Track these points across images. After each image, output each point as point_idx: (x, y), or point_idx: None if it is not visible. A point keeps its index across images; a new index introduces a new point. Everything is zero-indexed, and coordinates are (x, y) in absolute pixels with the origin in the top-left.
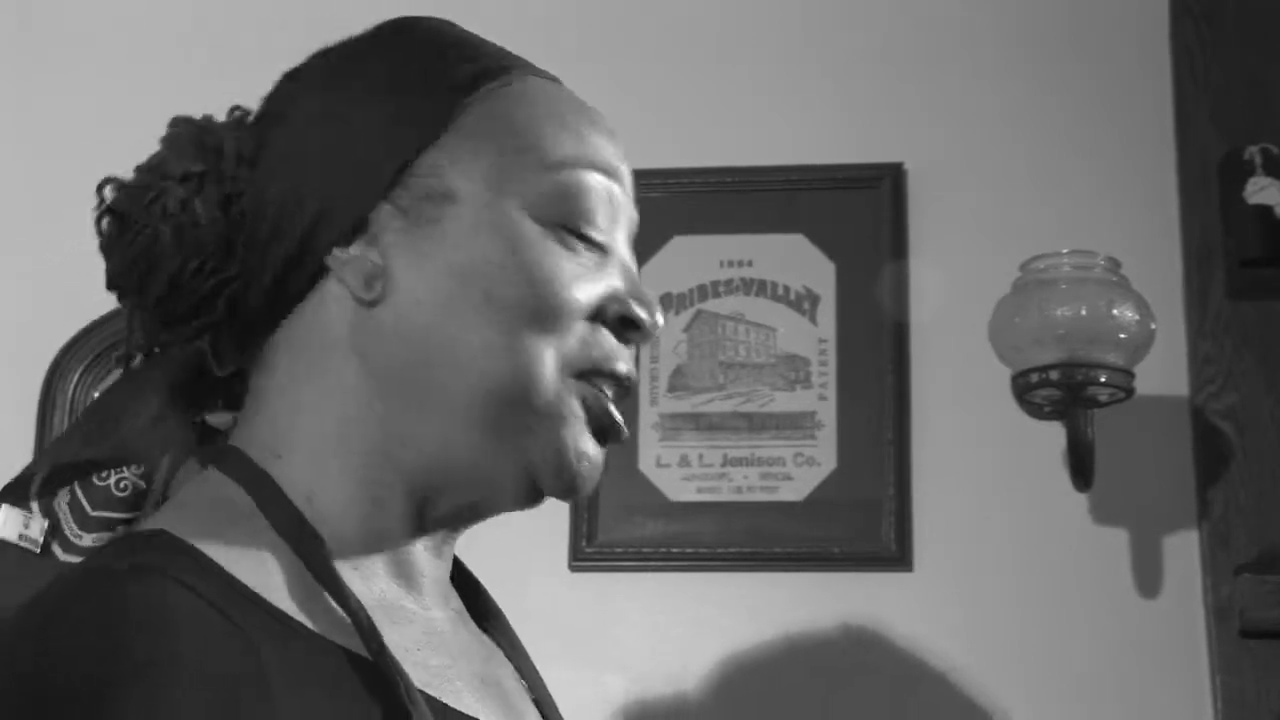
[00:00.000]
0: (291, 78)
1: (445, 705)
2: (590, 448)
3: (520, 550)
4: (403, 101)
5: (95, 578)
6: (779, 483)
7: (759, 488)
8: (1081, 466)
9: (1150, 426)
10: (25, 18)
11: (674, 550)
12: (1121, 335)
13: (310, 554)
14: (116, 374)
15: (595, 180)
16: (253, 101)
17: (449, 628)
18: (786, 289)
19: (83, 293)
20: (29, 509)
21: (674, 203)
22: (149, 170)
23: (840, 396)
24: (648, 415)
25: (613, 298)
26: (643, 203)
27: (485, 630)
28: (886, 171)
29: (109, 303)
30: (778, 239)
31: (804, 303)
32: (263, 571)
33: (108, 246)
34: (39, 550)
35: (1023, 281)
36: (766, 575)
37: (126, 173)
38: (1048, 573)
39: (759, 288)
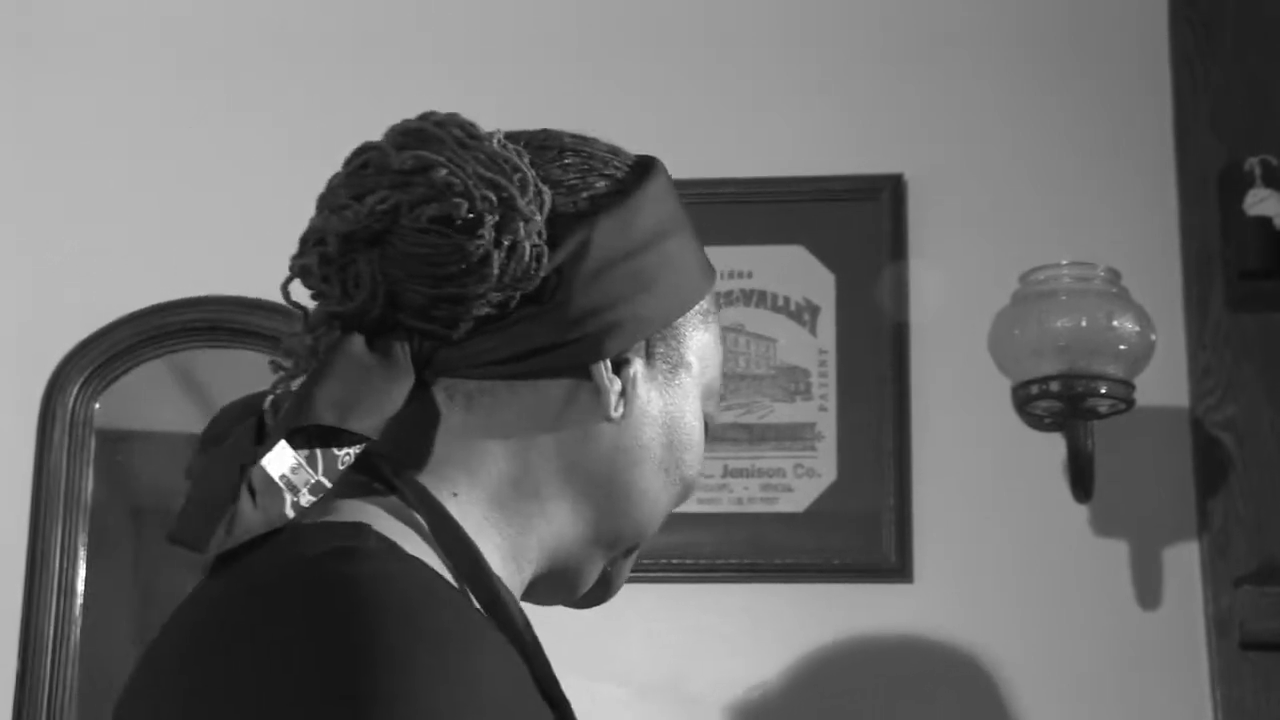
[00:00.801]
0: (596, 167)
1: None
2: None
3: None
4: (689, 260)
5: (348, 553)
6: (779, 494)
7: (759, 499)
8: (1081, 477)
9: (1150, 438)
10: (24, 26)
11: (674, 561)
12: (1121, 346)
13: (486, 592)
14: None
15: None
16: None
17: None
18: (786, 300)
19: (82, 305)
20: (310, 456)
21: None
22: (492, 185)
23: (840, 408)
24: None
25: None
26: None
27: None
28: (886, 182)
29: (107, 315)
30: (778, 250)
31: (804, 314)
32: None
33: (444, 233)
34: (291, 504)
35: (1023, 293)
36: (767, 586)
37: (122, 180)
38: (1048, 584)
39: (759, 299)
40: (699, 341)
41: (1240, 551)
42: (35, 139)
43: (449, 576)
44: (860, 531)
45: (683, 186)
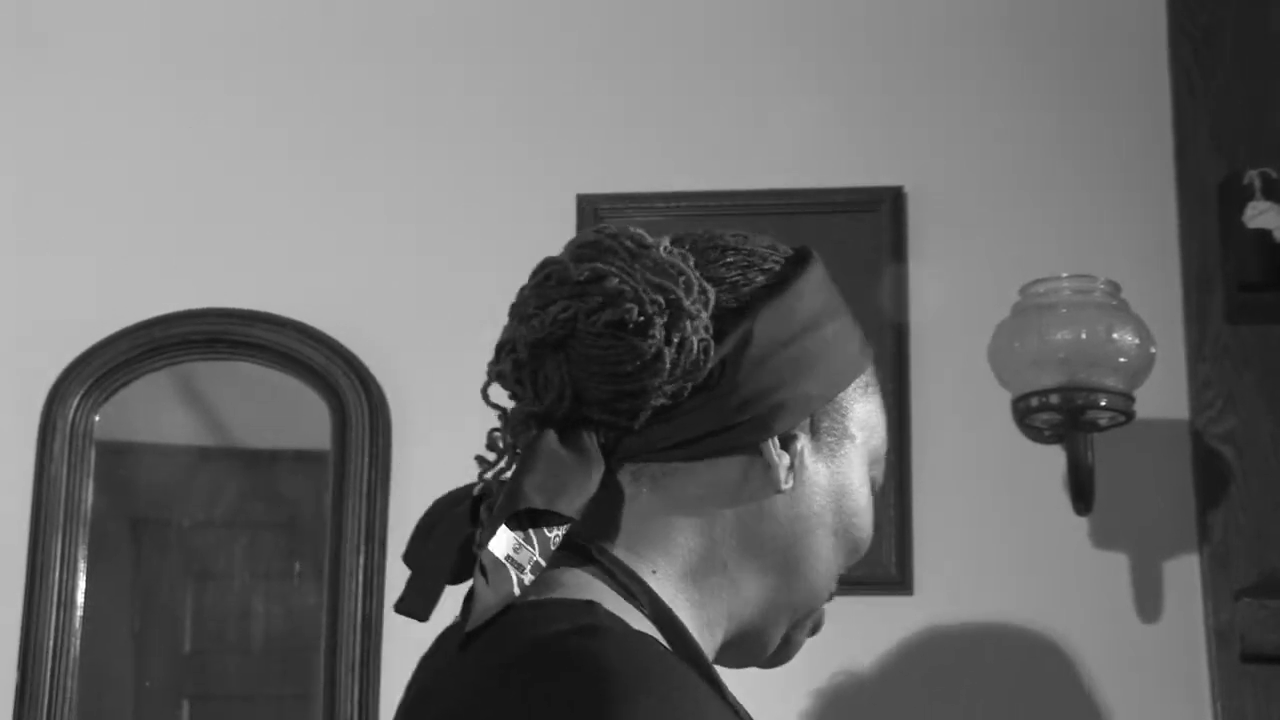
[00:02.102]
0: (754, 262)
1: None
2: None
3: None
4: (846, 339)
5: (590, 631)
6: None
7: None
8: (1082, 490)
9: (1150, 450)
10: (22, 39)
11: None
12: (1121, 359)
13: (695, 656)
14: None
15: (879, 471)
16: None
17: None
18: None
19: (82, 316)
20: (525, 536)
21: (675, 226)
22: (659, 289)
23: None
24: None
25: None
26: (644, 226)
27: None
28: (886, 194)
29: (107, 327)
30: None
31: None
32: None
33: (620, 337)
34: (517, 582)
35: (1022, 305)
36: None
37: (122, 191)
38: (1048, 596)
39: None
40: (861, 412)
41: (1241, 564)
42: (35, 150)
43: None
44: None
45: (684, 198)
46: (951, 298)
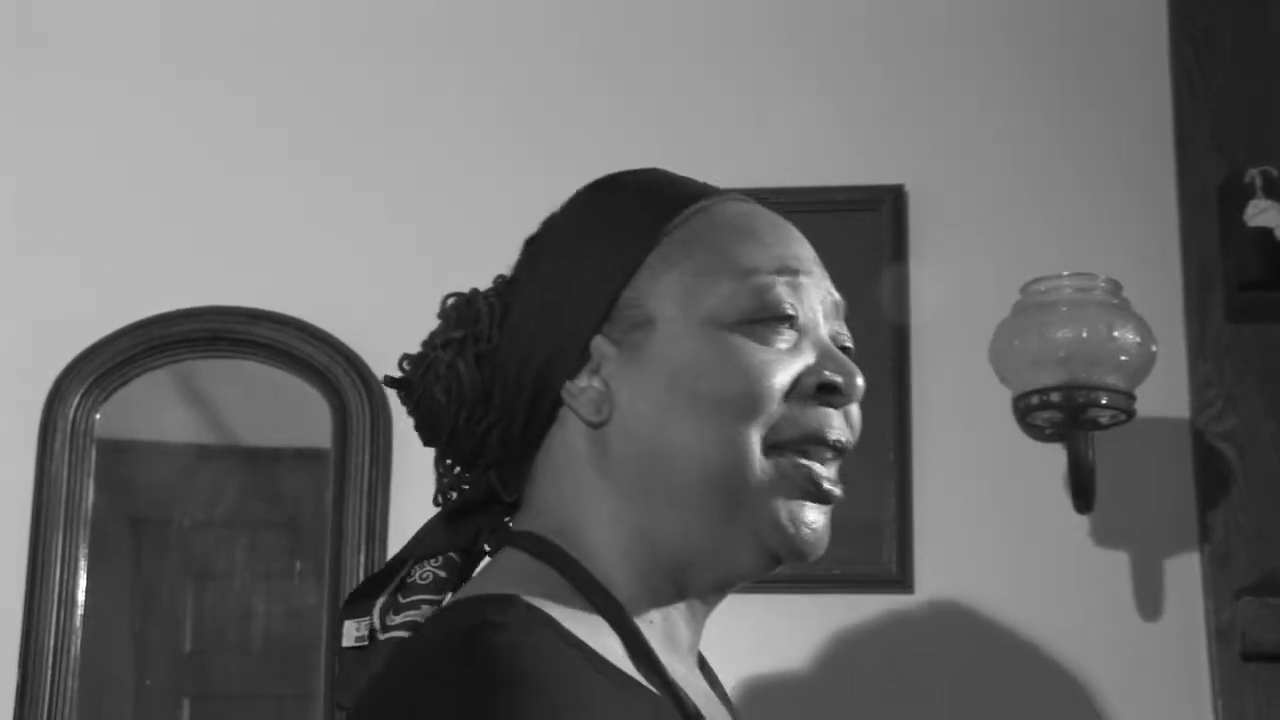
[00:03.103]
0: (528, 243)
1: None
2: (807, 514)
3: None
4: (609, 243)
5: (491, 626)
6: None
7: None
8: (1082, 488)
9: (1151, 449)
10: (22, 38)
11: None
12: (1122, 357)
13: (628, 630)
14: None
15: (773, 279)
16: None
17: (704, 686)
18: None
19: (83, 315)
20: (367, 613)
21: None
22: (426, 343)
23: None
24: None
25: (807, 371)
26: None
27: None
28: (887, 194)
29: (108, 326)
30: None
31: None
32: (595, 637)
33: (406, 408)
34: (368, 643)
35: (1023, 304)
36: (767, 597)
37: (123, 189)
38: (1049, 595)
39: None
40: (665, 287)
41: (1241, 563)
42: (36, 148)
43: (585, 617)
44: (861, 542)
45: None
46: (952, 296)
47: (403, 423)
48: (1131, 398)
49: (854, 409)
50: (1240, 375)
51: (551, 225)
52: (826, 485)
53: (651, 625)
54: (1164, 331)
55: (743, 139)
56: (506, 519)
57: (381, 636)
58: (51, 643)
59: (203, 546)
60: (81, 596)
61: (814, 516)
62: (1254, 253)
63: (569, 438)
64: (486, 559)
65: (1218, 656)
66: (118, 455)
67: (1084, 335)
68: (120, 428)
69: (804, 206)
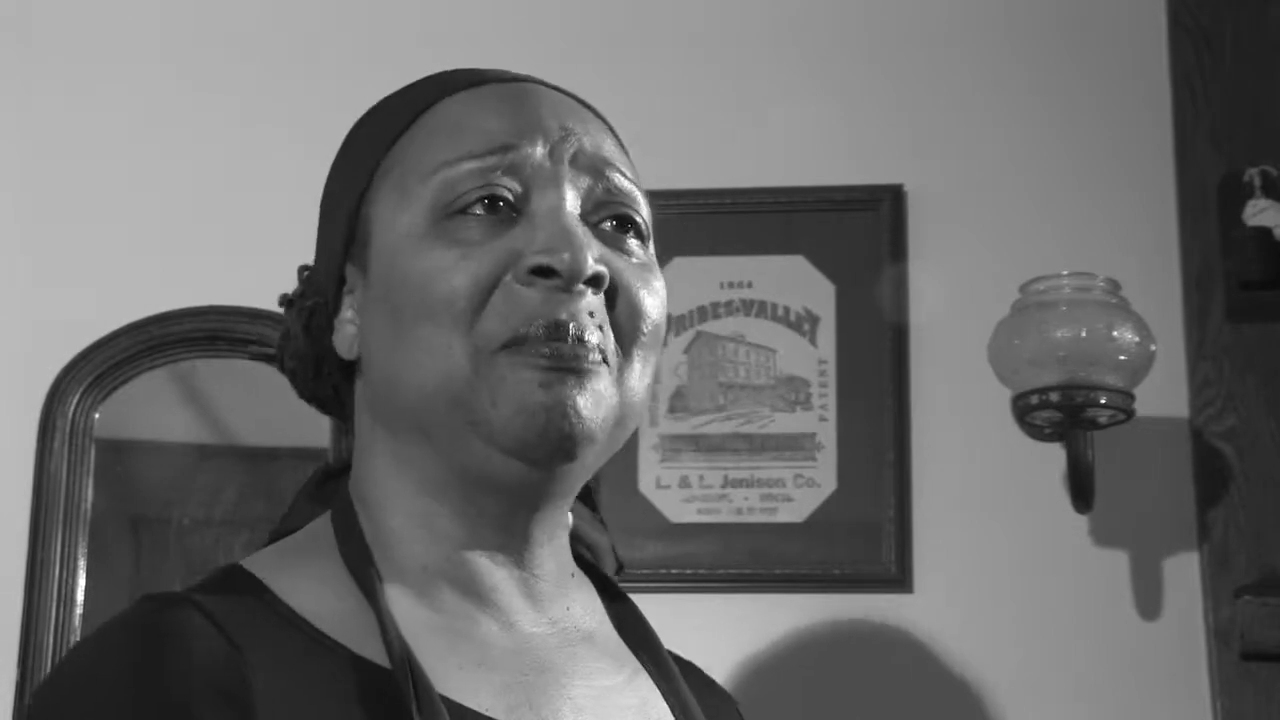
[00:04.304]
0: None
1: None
2: (545, 396)
3: None
4: (342, 175)
5: (140, 602)
6: (779, 504)
7: (759, 509)
8: (1082, 488)
9: (1150, 448)
10: (23, 33)
11: (674, 571)
12: (1121, 357)
13: (363, 580)
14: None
15: (476, 163)
16: (255, 110)
17: (537, 644)
18: (786, 310)
19: (82, 315)
20: None
21: (674, 224)
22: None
23: (840, 418)
24: (648, 436)
25: (513, 258)
26: None
27: (641, 658)
28: (886, 193)
29: (107, 325)
30: (777, 260)
31: (804, 324)
32: (317, 598)
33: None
34: None
35: (1022, 303)
36: (767, 597)
37: (123, 187)
38: (1048, 594)
39: (759, 309)
40: (380, 202)
41: (1240, 562)
42: (35, 146)
43: (327, 584)
44: (860, 542)
45: (683, 196)
46: (951, 295)
47: None
48: (1131, 397)
49: (627, 293)
50: (1240, 375)
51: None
52: (568, 353)
53: (438, 581)
54: (1163, 331)
55: (742, 138)
56: None
57: None
58: (51, 641)
59: (202, 546)
60: (80, 595)
61: (555, 398)
62: (1253, 252)
63: (357, 383)
64: None
65: (1217, 656)
66: (117, 454)
67: (1083, 335)
68: (120, 427)
69: (803, 206)
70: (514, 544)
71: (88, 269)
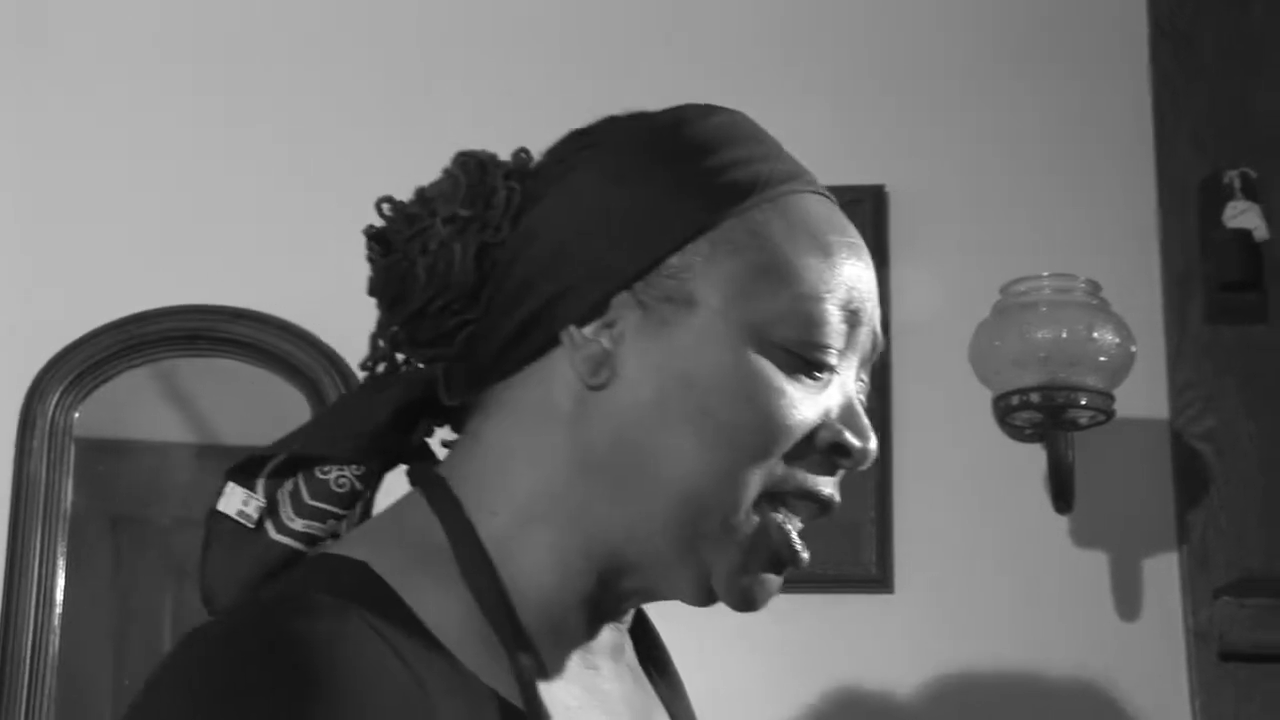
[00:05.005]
0: (576, 138)
1: None
2: (767, 576)
3: None
4: (668, 198)
5: (293, 604)
6: None
7: None
8: (1062, 489)
9: (1130, 449)
10: (10, 35)
11: None
12: (1102, 358)
13: (496, 616)
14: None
15: (834, 312)
16: (235, 110)
17: (614, 685)
18: None
19: (62, 312)
20: (252, 489)
21: None
22: (421, 201)
23: None
24: None
25: (825, 425)
26: None
27: (650, 674)
28: (868, 194)
29: (88, 323)
30: None
31: None
32: (447, 617)
33: (372, 261)
34: (253, 526)
35: (1003, 304)
36: None
37: (104, 187)
38: (1028, 595)
39: None
40: (726, 272)
41: (1220, 563)
42: (17, 146)
43: (453, 601)
44: (841, 542)
45: None
46: (933, 296)
47: None
48: (1111, 398)
49: None
50: (1219, 376)
51: (612, 136)
52: (800, 555)
53: (554, 622)
54: (1143, 332)
55: None
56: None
57: (274, 535)
58: (30, 642)
59: (182, 545)
60: (60, 595)
61: (771, 579)
62: (1233, 254)
63: (550, 386)
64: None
65: (1196, 656)
66: (97, 453)
67: (1064, 335)
68: (100, 426)
69: None
70: (617, 615)
71: (68, 268)
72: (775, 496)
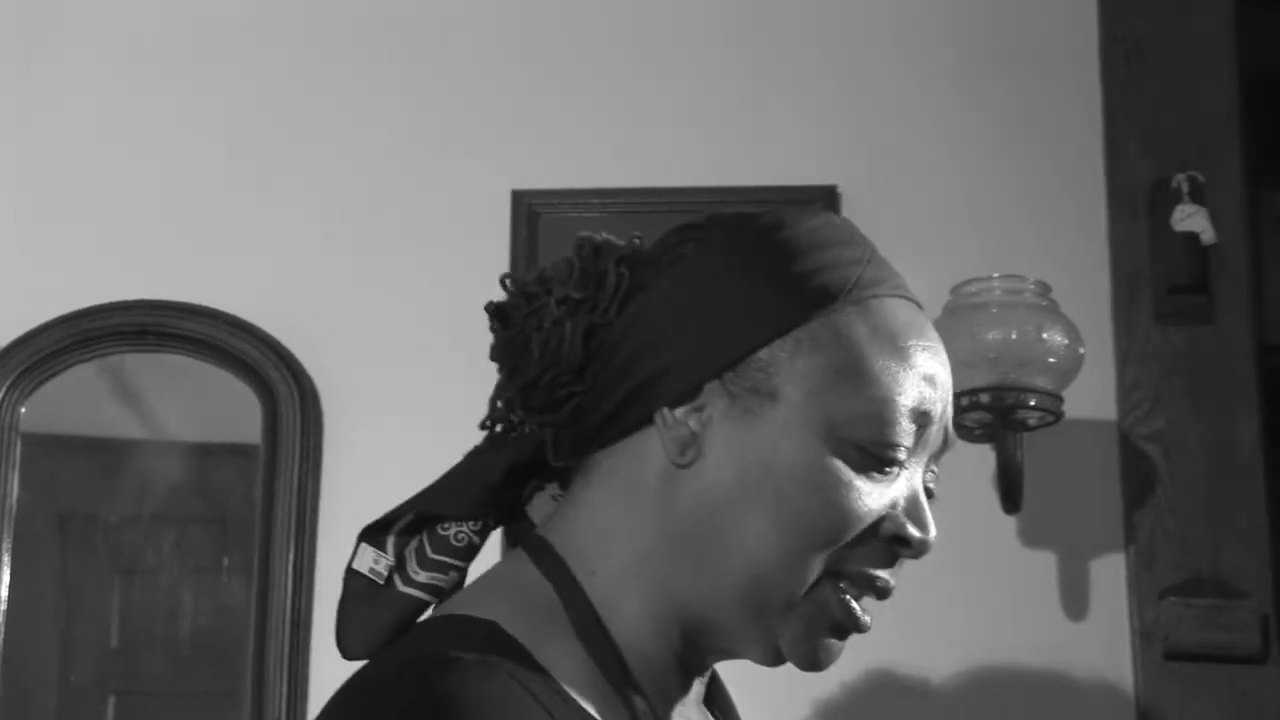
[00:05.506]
0: (683, 232)
1: None
2: (833, 645)
3: None
4: (761, 296)
5: (445, 664)
6: None
7: None
8: (1011, 489)
9: (1079, 450)
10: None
11: None
12: (1051, 359)
13: (613, 671)
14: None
15: (906, 413)
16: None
17: None
18: None
19: (10, 306)
20: (382, 547)
21: (609, 222)
22: (539, 280)
23: None
24: None
25: (889, 516)
26: (578, 221)
27: (714, 714)
28: (820, 194)
29: (36, 318)
30: None
31: None
32: (570, 672)
33: (494, 332)
34: (382, 583)
35: (954, 305)
36: None
37: (52, 183)
38: (977, 594)
39: None
40: (803, 369)
41: (1166, 564)
42: None
43: (576, 661)
44: None
45: (618, 195)
46: None
47: (333, 419)
48: (1060, 399)
49: None
50: (1167, 378)
51: (713, 233)
52: (862, 621)
53: (649, 676)
54: (1092, 334)
55: (677, 138)
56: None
57: (401, 588)
58: None
59: (130, 542)
60: (5, 592)
61: (838, 647)
62: (1181, 256)
63: (642, 461)
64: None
65: (1141, 656)
66: (43, 449)
67: (1013, 336)
68: (46, 421)
69: (738, 206)
70: (705, 668)
71: (16, 262)
72: (836, 574)
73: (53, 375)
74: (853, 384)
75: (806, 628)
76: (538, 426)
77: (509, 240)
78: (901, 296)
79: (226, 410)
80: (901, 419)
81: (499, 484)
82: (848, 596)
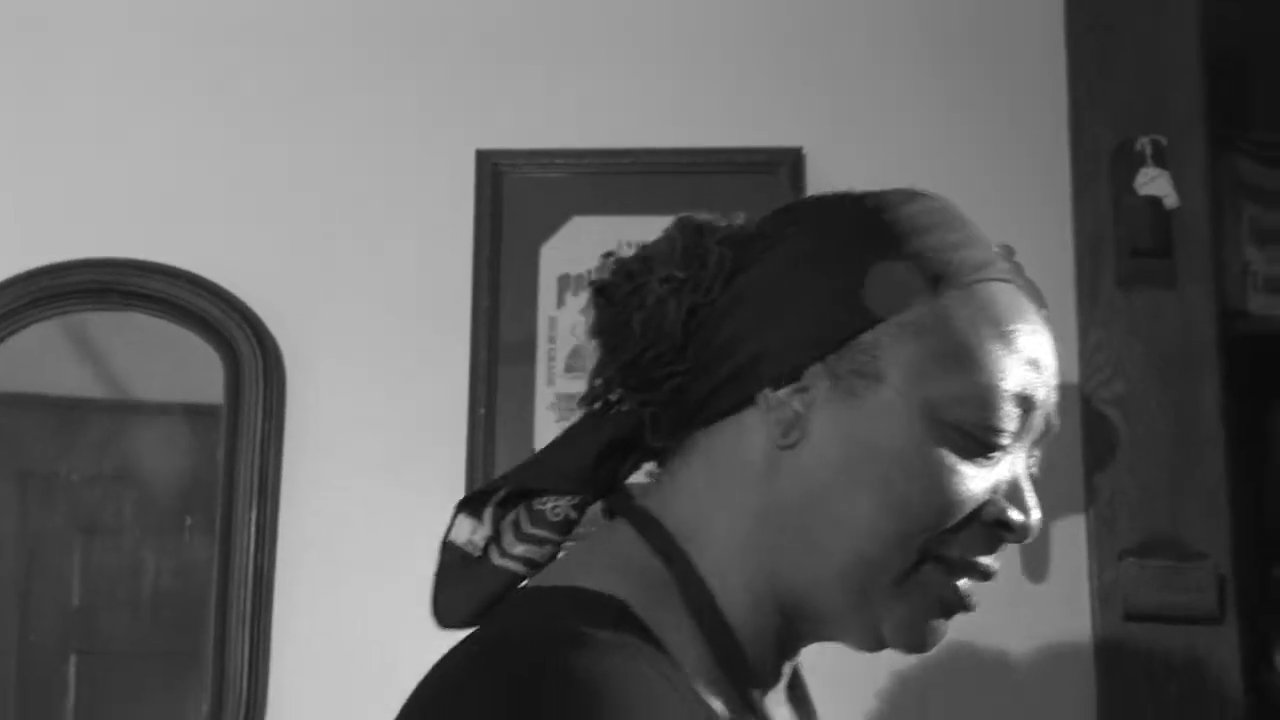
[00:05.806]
0: (785, 214)
1: None
2: (937, 623)
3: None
4: (869, 279)
5: (581, 640)
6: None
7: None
8: None
9: None
10: None
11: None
12: None
13: (730, 654)
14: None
15: (1009, 398)
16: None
17: (788, 715)
18: None
19: None
20: (480, 519)
21: (573, 183)
22: (642, 260)
23: None
24: (544, 395)
25: (992, 501)
26: (542, 182)
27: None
28: (786, 156)
29: None
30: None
31: None
32: (685, 649)
33: (595, 308)
34: (478, 555)
35: None
36: None
37: (12, 139)
38: None
39: None
40: (908, 354)
41: (1126, 526)
42: None
43: (686, 633)
44: None
45: (583, 155)
46: None
47: (297, 379)
48: None
49: None
50: (1128, 341)
51: (816, 212)
52: (968, 601)
53: (751, 649)
54: (1054, 297)
55: (642, 101)
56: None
57: (496, 561)
58: None
59: (91, 501)
60: None
61: (940, 625)
62: (1144, 220)
63: (744, 440)
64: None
65: (1100, 617)
66: (4, 408)
67: None
68: (7, 380)
69: (702, 168)
70: (798, 649)
71: None
72: (942, 559)
73: (13, 333)
74: (955, 368)
75: (912, 610)
76: (637, 405)
77: (473, 200)
78: (1005, 280)
79: (189, 370)
80: (1005, 403)
81: (596, 461)
82: (953, 579)
